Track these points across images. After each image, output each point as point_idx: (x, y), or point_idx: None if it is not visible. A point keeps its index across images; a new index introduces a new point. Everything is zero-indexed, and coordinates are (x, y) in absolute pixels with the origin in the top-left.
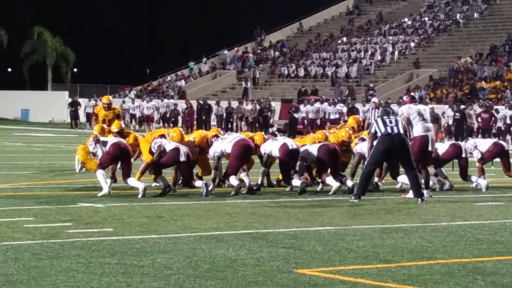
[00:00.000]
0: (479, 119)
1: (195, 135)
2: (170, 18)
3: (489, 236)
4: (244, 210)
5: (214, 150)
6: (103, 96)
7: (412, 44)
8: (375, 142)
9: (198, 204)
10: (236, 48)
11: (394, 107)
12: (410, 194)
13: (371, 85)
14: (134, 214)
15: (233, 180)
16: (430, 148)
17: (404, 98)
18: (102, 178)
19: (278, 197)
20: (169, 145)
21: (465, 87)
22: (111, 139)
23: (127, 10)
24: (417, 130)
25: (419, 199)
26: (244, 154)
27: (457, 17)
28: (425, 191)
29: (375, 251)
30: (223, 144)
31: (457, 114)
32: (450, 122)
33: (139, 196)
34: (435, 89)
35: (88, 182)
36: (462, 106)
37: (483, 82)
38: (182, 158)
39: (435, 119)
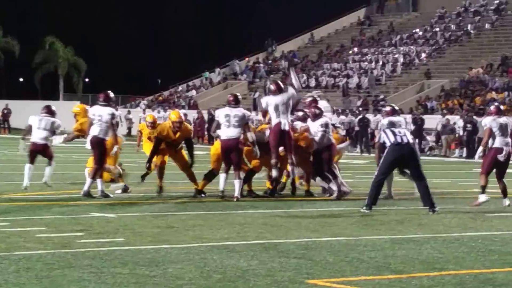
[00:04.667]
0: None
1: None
2: (182, 28)
3: (500, 247)
4: (255, 221)
5: None
6: (147, 115)
7: (423, 55)
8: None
9: (210, 214)
10: (247, 58)
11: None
12: (482, 198)
13: (382, 96)
14: (146, 224)
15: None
16: (501, 159)
17: (491, 108)
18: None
19: (289, 208)
20: None
21: (477, 98)
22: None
23: (138, 20)
24: (496, 143)
25: (431, 210)
26: None
27: (468, 28)
28: (505, 200)
29: (387, 262)
30: None
31: (468, 125)
32: (461, 133)
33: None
34: (446, 99)
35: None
36: (474, 117)
37: (493, 93)
38: None
39: (450, 130)
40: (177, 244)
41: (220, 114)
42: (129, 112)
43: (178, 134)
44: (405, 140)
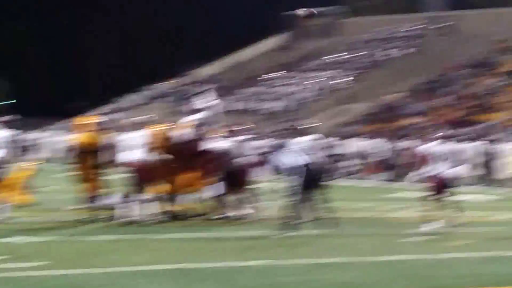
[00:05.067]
0: (409, 154)
1: None
2: (105, 50)
3: (422, 271)
4: (173, 245)
5: None
6: None
7: (347, 79)
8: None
9: (126, 239)
10: (168, 82)
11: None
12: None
13: (305, 119)
14: (67, 248)
15: None
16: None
17: (433, 135)
18: None
19: (207, 231)
20: None
21: (397, 122)
22: None
23: (60, 43)
24: (435, 169)
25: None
26: None
27: (391, 52)
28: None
29: (308, 286)
30: None
31: (390, 148)
32: (382, 157)
33: None
34: (368, 123)
35: (23, 216)
36: (395, 142)
37: (414, 117)
38: None
39: (371, 154)
40: (99, 268)
41: (124, 139)
42: (45, 137)
43: (97, 138)
44: (301, 162)
